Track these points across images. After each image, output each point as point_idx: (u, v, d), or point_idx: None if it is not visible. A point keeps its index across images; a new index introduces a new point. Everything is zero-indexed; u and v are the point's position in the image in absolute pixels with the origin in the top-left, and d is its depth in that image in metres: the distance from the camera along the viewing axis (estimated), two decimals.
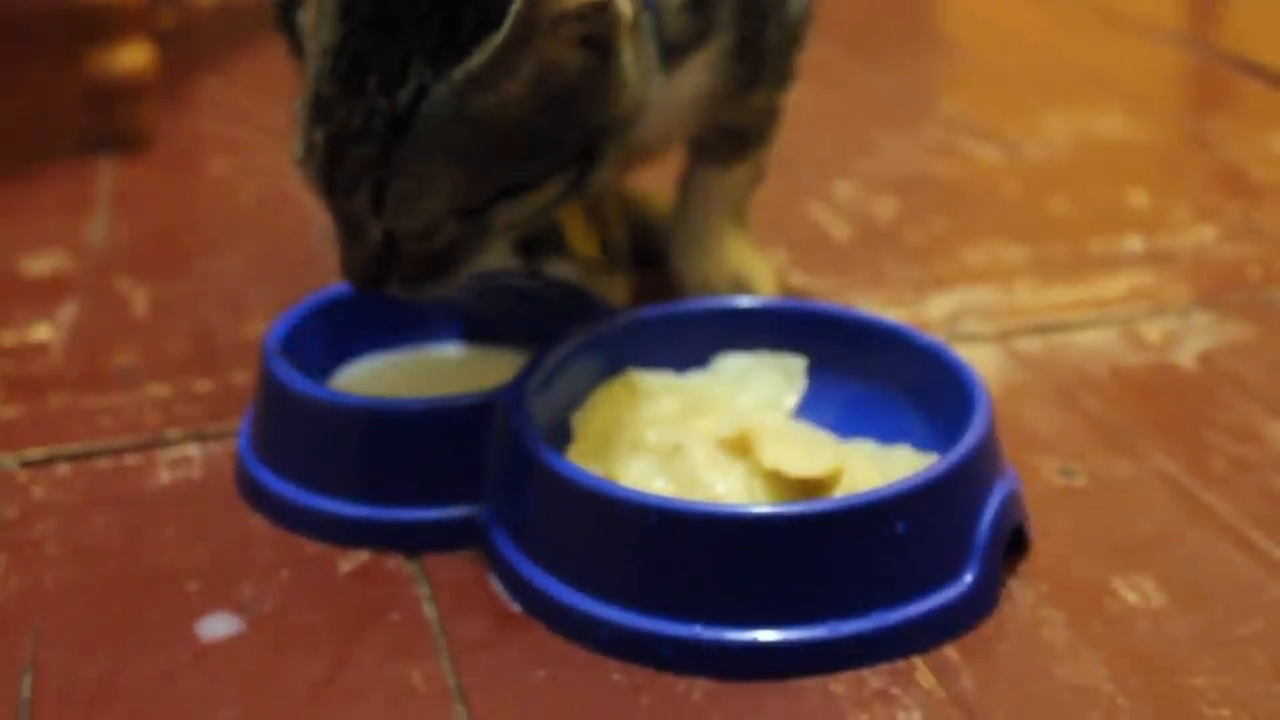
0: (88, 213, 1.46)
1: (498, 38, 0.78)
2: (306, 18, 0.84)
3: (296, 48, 1.18)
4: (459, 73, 0.79)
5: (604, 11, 0.79)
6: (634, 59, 0.84)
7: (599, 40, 0.81)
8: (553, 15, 0.78)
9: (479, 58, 0.79)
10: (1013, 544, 0.87)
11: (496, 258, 1.09)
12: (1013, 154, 1.54)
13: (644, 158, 1.09)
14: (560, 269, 1.07)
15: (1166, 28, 2.00)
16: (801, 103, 1.08)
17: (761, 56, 0.98)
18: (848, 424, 0.95)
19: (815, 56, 1.07)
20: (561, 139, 0.83)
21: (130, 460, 1.01)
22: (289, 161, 0.85)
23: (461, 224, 0.84)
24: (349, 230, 0.85)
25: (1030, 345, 1.13)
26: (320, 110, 0.82)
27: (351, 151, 0.81)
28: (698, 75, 0.95)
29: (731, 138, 1.06)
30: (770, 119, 1.07)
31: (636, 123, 0.87)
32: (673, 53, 0.90)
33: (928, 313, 1.19)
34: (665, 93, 0.91)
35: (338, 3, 0.81)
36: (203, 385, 1.11)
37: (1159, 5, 2.12)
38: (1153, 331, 1.15)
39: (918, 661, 0.80)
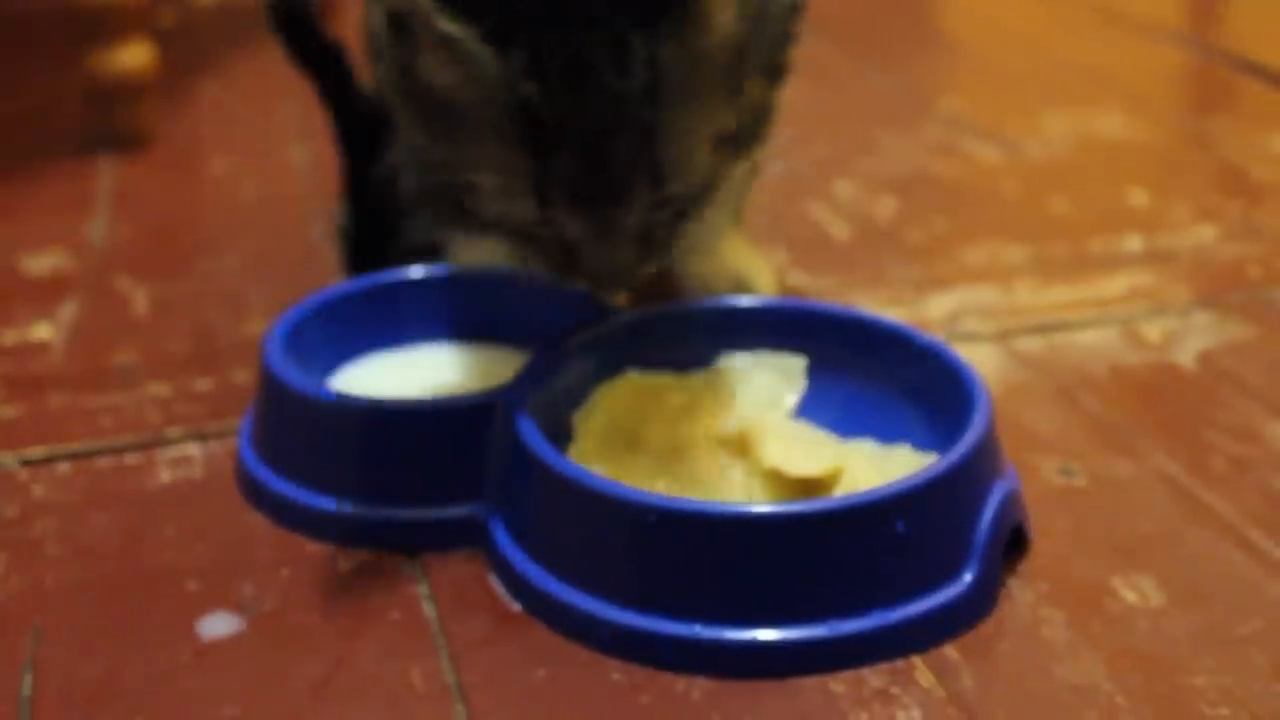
0: (88, 212, 1.46)
1: None
2: (440, 75, 0.81)
3: (295, 51, 1.19)
4: (676, 24, 0.78)
5: None
6: None
7: None
8: None
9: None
10: (1012, 543, 0.87)
11: (494, 256, 1.11)
12: (1013, 153, 1.54)
13: None
14: None
15: (1167, 27, 2.00)
16: (801, 102, 1.08)
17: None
18: (848, 423, 0.95)
19: (815, 56, 1.07)
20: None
21: (130, 459, 1.01)
22: (506, 219, 0.84)
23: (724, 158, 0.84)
24: (601, 233, 0.83)
25: (1030, 345, 1.14)
26: (550, 139, 0.79)
27: (614, 149, 0.79)
28: None
29: (727, 135, 1.06)
30: (765, 115, 1.06)
31: None
32: None
33: (928, 312, 1.19)
34: None
35: (489, 37, 0.79)
36: (203, 384, 1.11)
37: (1159, 4, 2.12)
38: (1153, 331, 1.15)
39: (917, 661, 0.80)
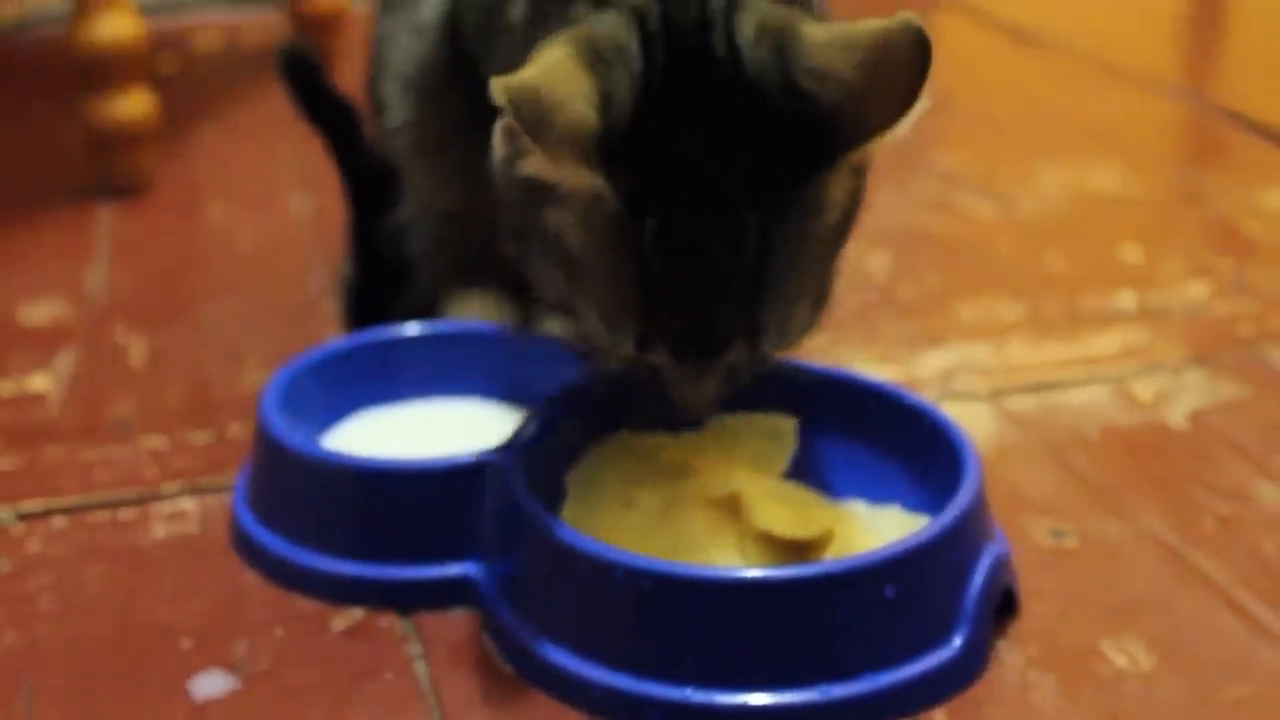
0: (87, 259, 1.47)
1: (823, 174, 0.79)
2: (572, 236, 0.82)
3: (304, 103, 1.20)
4: (793, 210, 0.80)
5: None
6: None
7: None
8: None
9: (813, 188, 0.80)
10: (1002, 606, 0.87)
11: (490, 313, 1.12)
12: (1007, 208, 1.55)
13: None
14: (553, 327, 1.07)
15: (1162, 81, 2.01)
16: None
17: None
18: (838, 484, 0.96)
19: None
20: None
21: (126, 514, 1.02)
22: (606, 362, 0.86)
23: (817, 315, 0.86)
24: (693, 378, 0.84)
25: (1022, 404, 1.14)
26: (661, 303, 0.80)
27: (719, 317, 0.81)
28: None
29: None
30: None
31: None
32: None
33: (920, 370, 1.20)
34: None
35: (629, 200, 0.79)
36: (199, 437, 1.11)
37: (1154, 58, 2.13)
38: (1145, 390, 1.16)
39: None
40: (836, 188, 0.81)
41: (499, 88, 0.75)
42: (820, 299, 0.86)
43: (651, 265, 0.79)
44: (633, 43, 0.80)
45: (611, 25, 0.81)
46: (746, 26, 0.80)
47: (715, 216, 0.79)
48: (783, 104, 0.79)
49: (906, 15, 0.75)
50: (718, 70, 0.80)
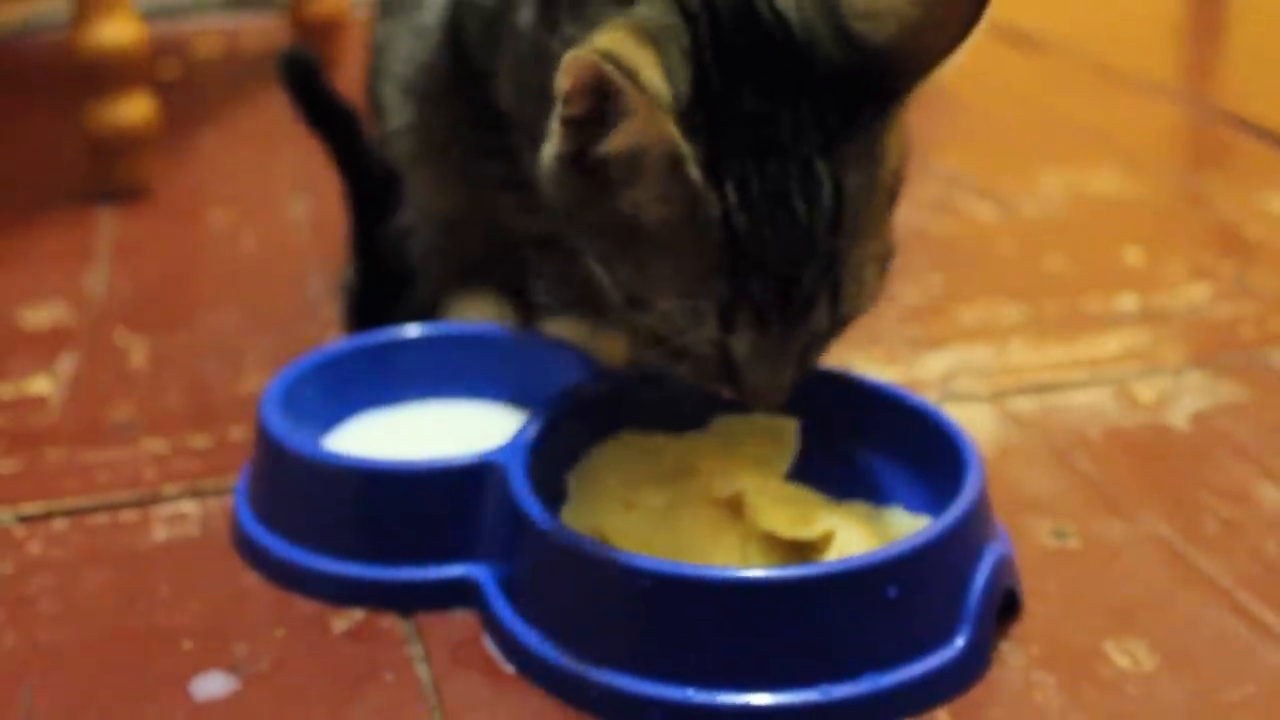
0: (87, 264, 1.47)
1: (886, 116, 0.80)
2: (650, 213, 0.82)
3: (305, 108, 1.20)
4: (858, 156, 0.81)
5: None
6: None
7: None
8: None
9: (875, 134, 0.81)
10: (1004, 607, 0.87)
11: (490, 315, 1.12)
12: (1009, 211, 1.55)
13: None
14: (557, 329, 1.07)
15: (1163, 84, 2.01)
16: None
17: None
18: (840, 485, 0.95)
19: None
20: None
21: (127, 516, 1.02)
22: (687, 344, 0.85)
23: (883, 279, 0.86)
24: (772, 355, 0.84)
25: (1024, 405, 1.14)
26: (749, 266, 0.80)
27: (804, 275, 0.81)
28: None
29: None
30: None
31: None
32: None
33: (923, 372, 1.20)
34: None
35: (705, 166, 0.79)
36: (200, 440, 1.11)
37: (1155, 62, 2.13)
38: (1146, 392, 1.16)
39: None
40: (892, 134, 0.82)
41: (578, 58, 0.76)
42: (885, 259, 0.86)
43: (735, 226, 0.79)
44: (677, 23, 0.81)
45: (653, 11, 0.82)
46: None
47: (789, 171, 0.80)
48: (837, 54, 0.80)
49: None
50: (767, 36, 0.81)
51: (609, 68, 0.75)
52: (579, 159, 0.82)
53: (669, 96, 0.78)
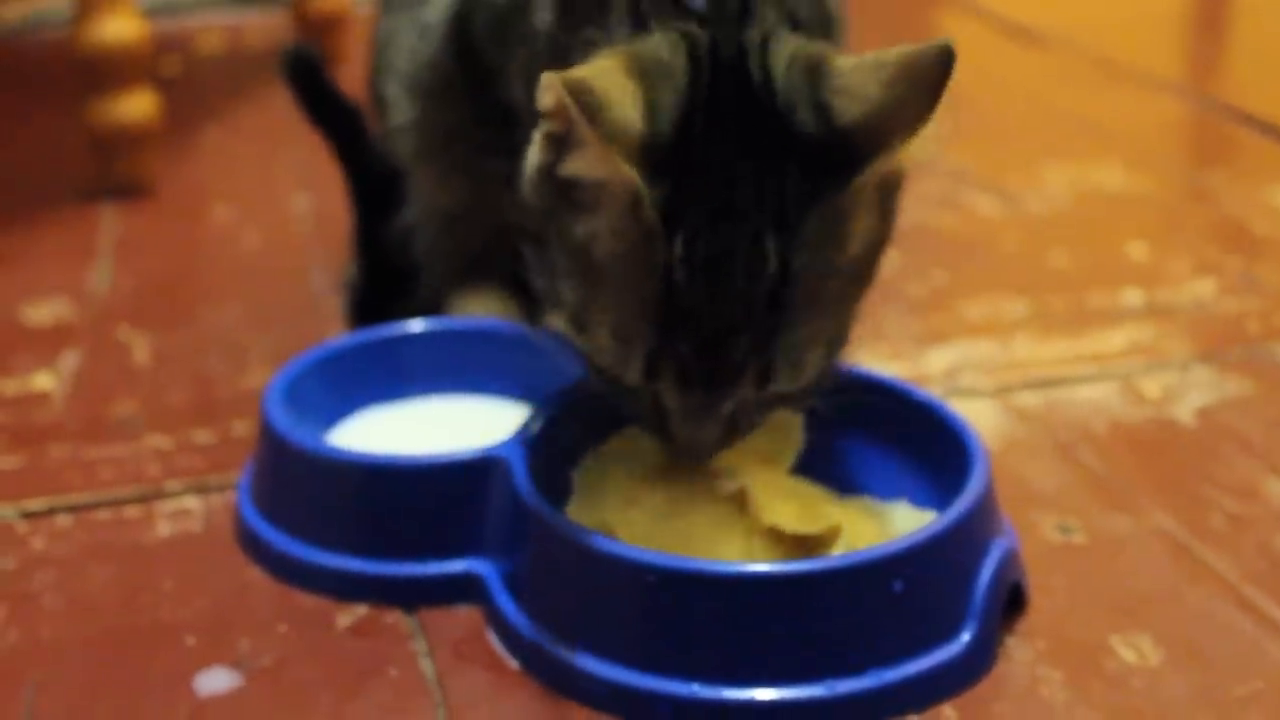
0: (90, 260, 1.47)
1: (845, 195, 0.79)
2: (601, 245, 0.81)
3: (308, 105, 1.19)
4: (813, 236, 0.80)
5: None
6: None
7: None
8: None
9: (836, 213, 0.80)
10: (1010, 601, 0.87)
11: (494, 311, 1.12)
12: (1013, 206, 1.55)
13: None
14: (558, 324, 1.07)
15: (1167, 80, 2.00)
16: None
17: None
18: (845, 479, 0.95)
19: None
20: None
21: (130, 512, 1.01)
22: (613, 377, 0.84)
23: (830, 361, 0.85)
24: (696, 413, 0.83)
25: (1029, 400, 1.14)
26: (678, 321, 0.80)
27: (733, 344, 0.80)
28: None
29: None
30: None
31: None
32: None
33: (927, 367, 1.19)
34: None
35: (661, 211, 0.79)
36: (203, 436, 1.11)
37: (1159, 57, 2.13)
38: (1152, 386, 1.16)
39: None
40: (857, 221, 0.81)
41: (551, 82, 0.76)
42: (835, 343, 0.85)
43: (675, 280, 0.79)
44: (680, 62, 0.81)
45: (659, 44, 0.82)
46: (780, 57, 0.82)
47: (737, 237, 0.79)
48: (810, 125, 0.80)
49: (944, 39, 0.77)
50: (753, 95, 0.81)
51: (568, 99, 0.75)
52: (552, 172, 0.82)
53: (637, 133, 0.78)
